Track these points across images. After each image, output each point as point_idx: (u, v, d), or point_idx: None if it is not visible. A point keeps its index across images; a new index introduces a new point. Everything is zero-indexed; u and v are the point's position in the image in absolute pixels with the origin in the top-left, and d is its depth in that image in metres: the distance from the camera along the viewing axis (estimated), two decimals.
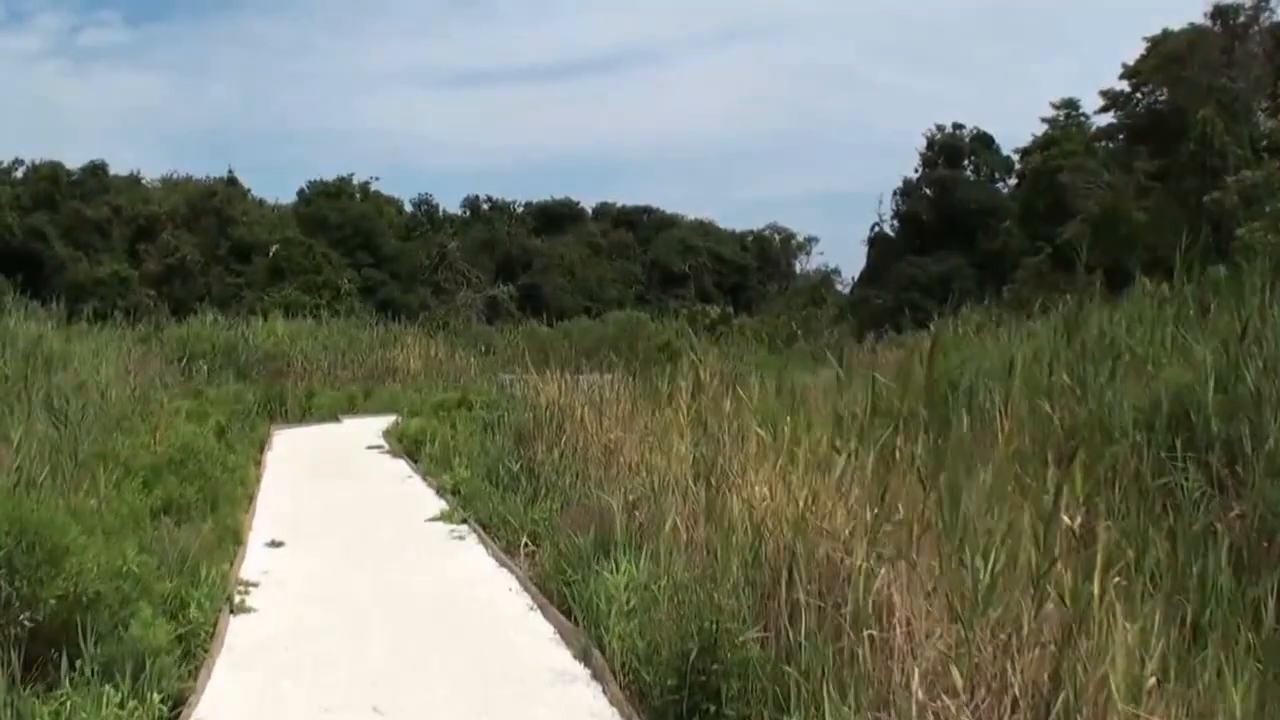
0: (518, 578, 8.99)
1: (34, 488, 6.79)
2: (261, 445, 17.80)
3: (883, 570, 5.19)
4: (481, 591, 8.69)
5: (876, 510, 5.95)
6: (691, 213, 74.74)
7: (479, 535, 10.79)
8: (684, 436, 8.76)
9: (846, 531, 5.88)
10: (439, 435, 16.42)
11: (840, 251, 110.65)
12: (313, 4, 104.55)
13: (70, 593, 5.34)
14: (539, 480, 11.62)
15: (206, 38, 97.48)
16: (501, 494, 11.60)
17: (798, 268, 76.69)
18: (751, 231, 75.07)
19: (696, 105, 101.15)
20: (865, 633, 4.92)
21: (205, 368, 25.91)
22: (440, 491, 13.31)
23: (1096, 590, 5.11)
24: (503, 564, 9.58)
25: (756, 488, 7.67)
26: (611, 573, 7.20)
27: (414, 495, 13.63)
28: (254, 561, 9.62)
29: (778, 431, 7.72)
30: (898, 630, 4.97)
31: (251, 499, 12.62)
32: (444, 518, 11.71)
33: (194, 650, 6.50)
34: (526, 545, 10.00)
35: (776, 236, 76.04)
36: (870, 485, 6.00)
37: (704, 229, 72.94)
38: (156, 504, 9.30)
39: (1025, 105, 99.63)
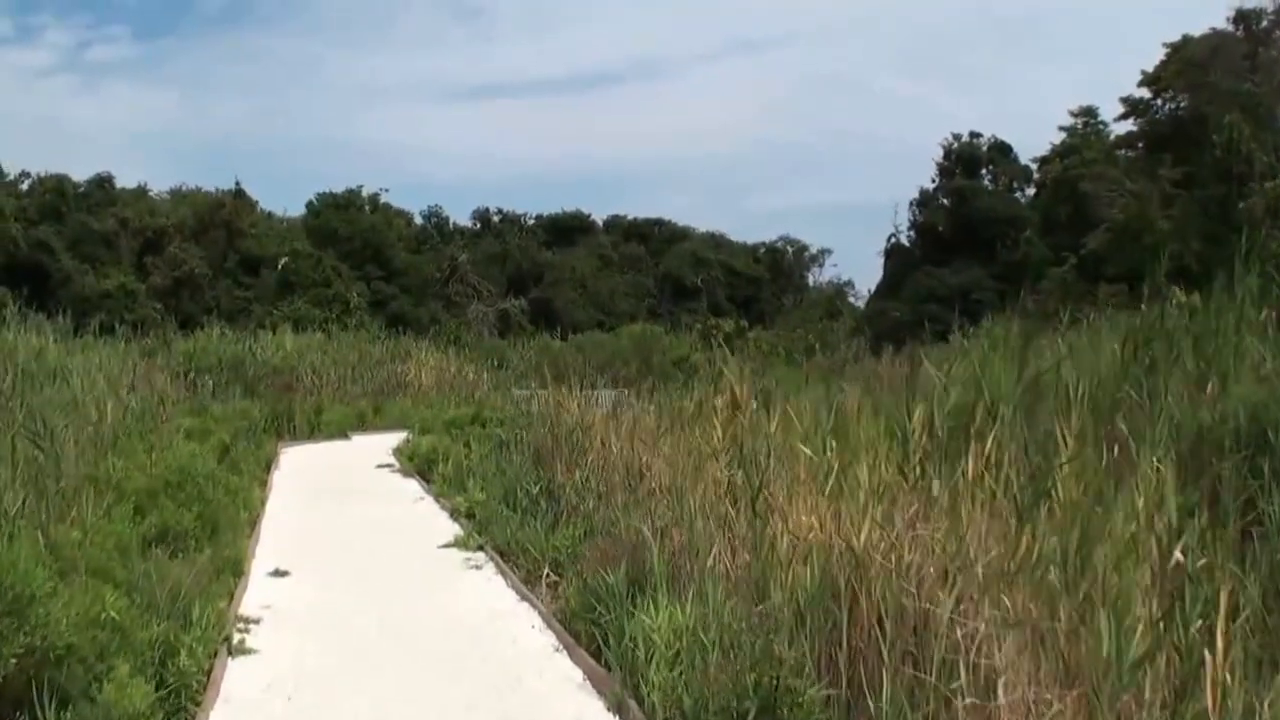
0: (540, 613, 8.27)
1: (5, 520, 6.10)
2: (268, 464, 17.14)
3: (982, 626, 4.46)
4: (502, 628, 7.97)
5: (952, 548, 5.28)
6: (702, 225, 74.19)
7: (496, 564, 10.08)
8: (720, 459, 8.04)
9: (929, 569, 5.18)
10: (452, 454, 15.74)
11: (851, 263, 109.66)
12: (319, 19, 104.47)
13: (37, 647, 4.65)
14: (560, 504, 10.93)
15: (214, 53, 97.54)
16: (520, 519, 10.90)
17: (810, 280, 76.04)
18: (763, 243, 74.47)
19: (704, 117, 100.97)
20: (966, 701, 4.19)
21: (210, 383, 25.23)
22: (454, 514, 12.60)
23: (1221, 644, 4.44)
24: (523, 597, 8.87)
25: (804, 517, 6.99)
26: (649, 613, 6.45)
27: (426, 518, 12.93)
28: (256, 593, 8.92)
29: (827, 453, 7.03)
30: (1001, 694, 4.24)
31: (255, 523, 11.94)
32: (459, 544, 11.00)
33: (184, 705, 5.78)
34: (548, 575, 9.31)
35: (789, 248, 75.36)
36: (950, 518, 5.31)
37: (715, 241, 72.38)
38: (150, 532, 8.62)
39: (1031, 113, 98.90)
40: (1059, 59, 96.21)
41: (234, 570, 9.11)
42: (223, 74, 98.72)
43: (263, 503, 13.42)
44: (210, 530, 9.75)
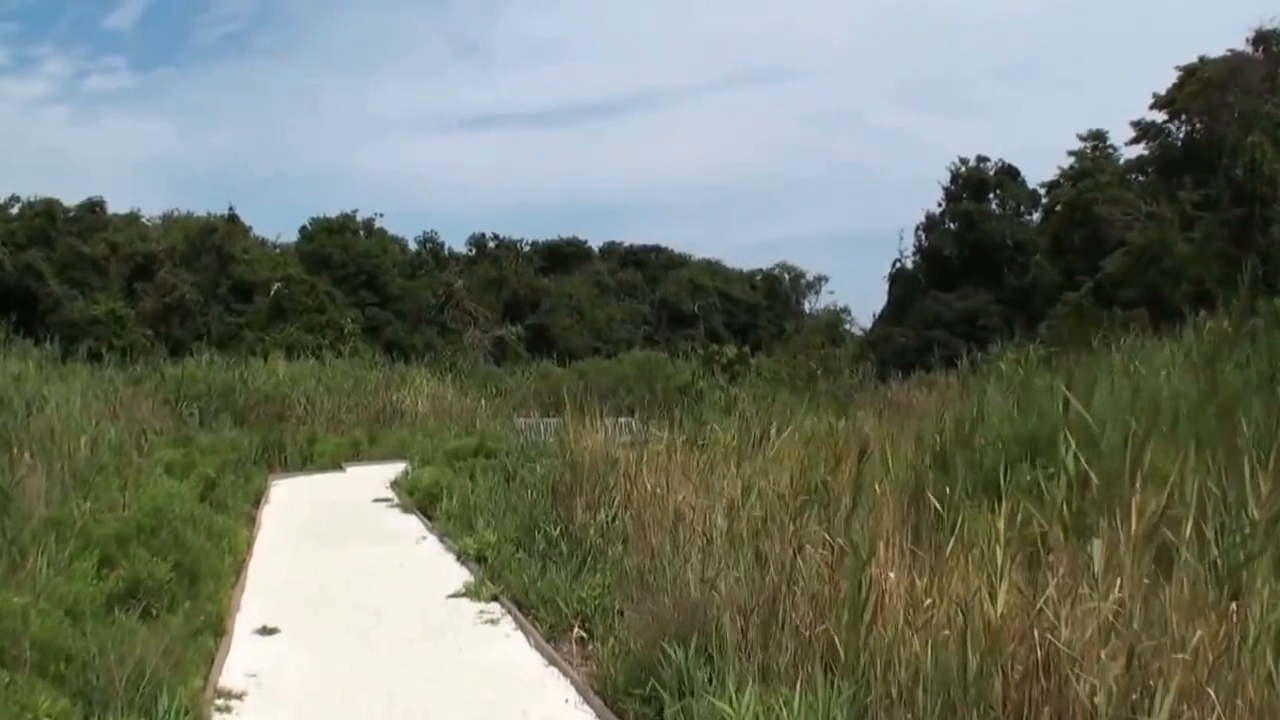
0: (574, 683, 7.07)
1: None
2: (257, 499, 15.93)
3: None
4: (530, 703, 6.75)
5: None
6: (699, 253, 73.31)
7: (515, 618, 8.88)
8: (788, 505, 6.87)
9: (1104, 655, 4.03)
10: (456, 488, 14.54)
11: (846, 291, 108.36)
12: (317, 51, 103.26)
13: None
14: (584, 547, 9.76)
15: (211, 84, 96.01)
16: (539, 564, 9.71)
17: (807, 307, 75.14)
18: (760, 270, 73.50)
19: (700, 148, 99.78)
20: None
21: (198, 412, 24.01)
22: (462, 558, 11.39)
23: None
24: (550, 660, 7.66)
25: (892, 574, 5.85)
26: (721, 697, 5.24)
27: (431, 562, 11.71)
28: (241, 657, 7.71)
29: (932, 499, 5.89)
30: None
31: (241, 569, 10.72)
32: (470, 593, 9.78)
33: None
34: (576, 632, 8.14)
35: (786, 275, 74.46)
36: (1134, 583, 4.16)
37: (712, 268, 71.36)
38: (117, 587, 7.43)
39: (1031, 144, 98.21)
40: (1057, 91, 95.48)
41: (215, 629, 7.92)
42: (219, 105, 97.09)
43: (250, 546, 12.18)
44: (189, 580, 8.56)
